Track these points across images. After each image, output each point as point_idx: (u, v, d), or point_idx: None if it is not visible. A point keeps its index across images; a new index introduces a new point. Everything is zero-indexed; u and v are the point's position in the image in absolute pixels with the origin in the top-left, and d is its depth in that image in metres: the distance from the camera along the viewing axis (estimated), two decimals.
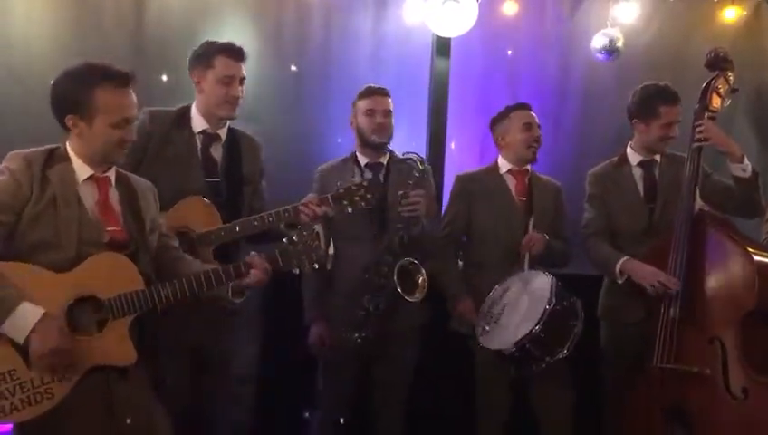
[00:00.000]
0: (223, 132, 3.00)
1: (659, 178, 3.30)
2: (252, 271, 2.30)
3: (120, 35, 4.06)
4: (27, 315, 2.06)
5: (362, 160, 3.24)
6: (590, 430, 3.36)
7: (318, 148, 4.08)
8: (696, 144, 3.07)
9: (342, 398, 3.21)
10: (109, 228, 2.23)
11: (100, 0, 4.06)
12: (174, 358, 2.71)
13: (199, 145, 2.94)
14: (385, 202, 3.12)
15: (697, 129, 3.07)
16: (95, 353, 2.15)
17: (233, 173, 2.96)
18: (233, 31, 4.13)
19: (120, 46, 4.00)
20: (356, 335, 3.03)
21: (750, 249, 2.92)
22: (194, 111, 2.98)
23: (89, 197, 2.24)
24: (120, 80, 2.22)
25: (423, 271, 3.07)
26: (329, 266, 2.47)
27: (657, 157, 3.32)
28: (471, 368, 3.32)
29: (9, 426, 2.20)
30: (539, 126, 3.37)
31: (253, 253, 2.37)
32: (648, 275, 3.06)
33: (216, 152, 2.97)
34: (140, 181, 2.42)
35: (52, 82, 2.27)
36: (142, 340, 2.23)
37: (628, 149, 3.37)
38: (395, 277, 3.00)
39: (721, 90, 3.11)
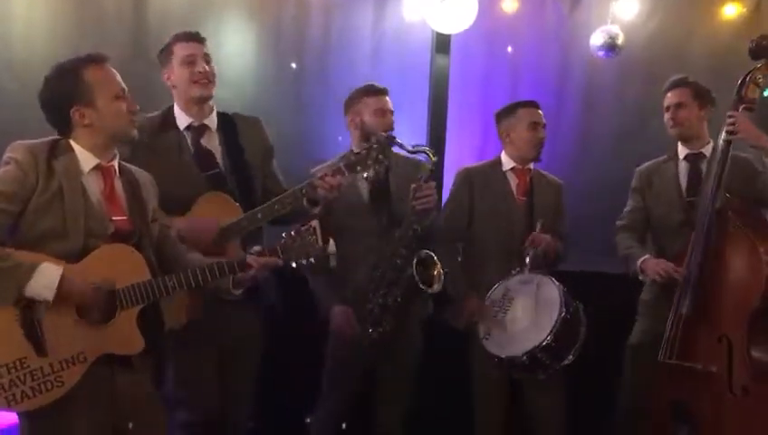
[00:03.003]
0: (211, 121, 2.93)
1: (706, 174, 3.21)
2: (253, 267, 2.34)
3: (120, 32, 4.05)
4: (51, 271, 2.09)
5: None
6: (587, 429, 3.37)
7: (317, 145, 4.08)
8: (726, 137, 3.00)
9: (346, 398, 3.19)
10: (114, 218, 2.26)
11: None
12: (202, 358, 2.75)
13: (189, 141, 2.90)
14: (389, 196, 3.11)
15: (728, 121, 2.99)
16: (105, 342, 2.18)
17: (235, 160, 2.90)
18: (233, 28, 4.13)
19: (119, 43, 3.99)
20: (371, 330, 3.00)
21: (762, 243, 2.89)
22: (176, 110, 2.92)
23: (94, 187, 2.26)
24: (97, 58, 2.29)
25: (439, 263, 3.05)
26: (333, 263, 2.49)
27: (707, 151, 3.26)
28: (467, 364, 3.31)
29: (15, 420, 2.23)
30: (544, 126, 3.36)
31: (256, 247, 2.42)
32: (651, 267, 3.08)
33: (211, 143, 2.91)
34: (140, 172, 2.45)
35: (39, 95, 2.28)
36: (145, 333, 2.24)
37: (679, 144, 3.34)
38: (414, 269, 2.99)
39: (761, 81, 3.00)
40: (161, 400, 2.41)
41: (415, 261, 3.00)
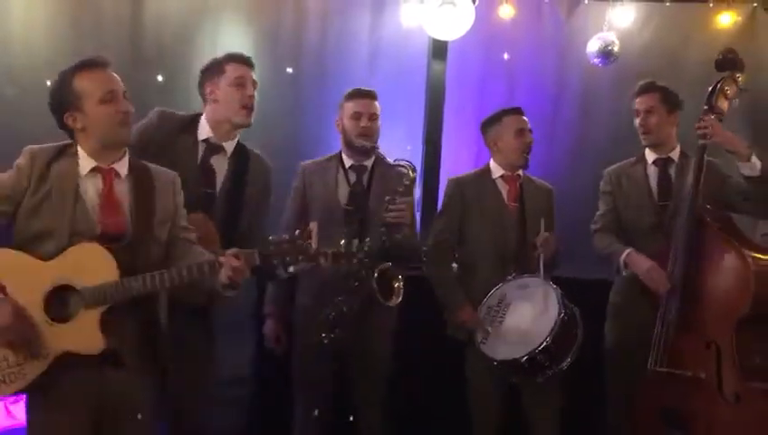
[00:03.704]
0: (229, 146, 2.91)
1: (675, 178, 3.27)
2: (222, 270, 2.24)
3: (118, 36, 4.08)
4: None
5: (347, 162, 3.22)
6: (582, 431, 3.37)
7: (313, 150, 4.07)
8: (701, 141, 3.03)
9: (319, 400, 3.16)
10: (106, 220, 2.27)
11: (98, 1, 4.07)
12: None
13: (200, 153, 2.89)
14: (366, 206, 3.11)
15: (701, 125, 3.03)
16: (65, 339, 2.21)
17: (232, 191, 2.88)
18: (229, 33, 4.15)
19: (117, 47, 4.01)
20: (323, 336, 2.99)
21: (746, 251, 2.91)
22: (203, 120, 2.92)
23: (91, 189, 2.30)
24: (92, 63, 2.32)
25: (400, 277, 3.05)
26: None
27: (674, 156, 3.31)
28: (465, 366, 3.31)
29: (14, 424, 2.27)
30: (531, 131, 3.37)
31: (230, 250, 2.29)
32: (644, 268, 3.09)
33: (218, 164, 2.90)
34: (161, 171, 2.44)
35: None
36: (144, 335, 2.27)
37: (647, 149, 3.37)
38: (374, 281, 2.98)
39: (729, 92, 3.06)
40: (163, 405, 2.39)
41: (376, 274, 2.99)
